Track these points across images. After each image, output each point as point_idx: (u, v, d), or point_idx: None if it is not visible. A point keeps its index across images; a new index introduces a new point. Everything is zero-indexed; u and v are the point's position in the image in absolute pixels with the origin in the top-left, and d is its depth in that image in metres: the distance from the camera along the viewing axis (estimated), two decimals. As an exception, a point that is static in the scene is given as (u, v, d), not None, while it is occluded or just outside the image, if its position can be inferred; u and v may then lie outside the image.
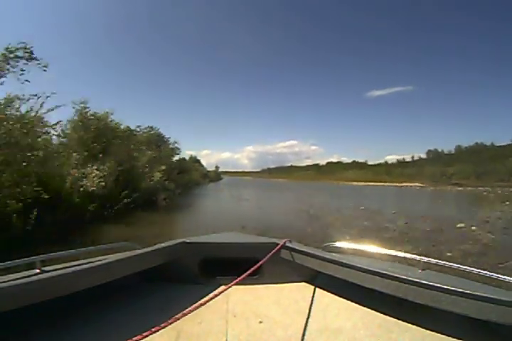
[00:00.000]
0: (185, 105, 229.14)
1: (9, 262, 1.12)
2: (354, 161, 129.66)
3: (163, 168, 15.89)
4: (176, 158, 27.94)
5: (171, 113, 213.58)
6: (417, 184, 62.52)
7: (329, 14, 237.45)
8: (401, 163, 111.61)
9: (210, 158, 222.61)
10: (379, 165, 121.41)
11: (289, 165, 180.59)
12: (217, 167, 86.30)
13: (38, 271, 1.14)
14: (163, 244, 1.53)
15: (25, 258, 1.17)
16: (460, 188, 44.82)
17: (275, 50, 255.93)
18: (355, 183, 67.02)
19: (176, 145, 25.53)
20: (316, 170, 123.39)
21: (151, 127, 23.06)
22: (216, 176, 74.69)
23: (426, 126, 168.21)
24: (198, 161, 57.23)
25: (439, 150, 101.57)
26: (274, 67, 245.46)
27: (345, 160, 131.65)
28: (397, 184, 62.17)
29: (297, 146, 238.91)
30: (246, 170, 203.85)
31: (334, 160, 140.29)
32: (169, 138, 24.63)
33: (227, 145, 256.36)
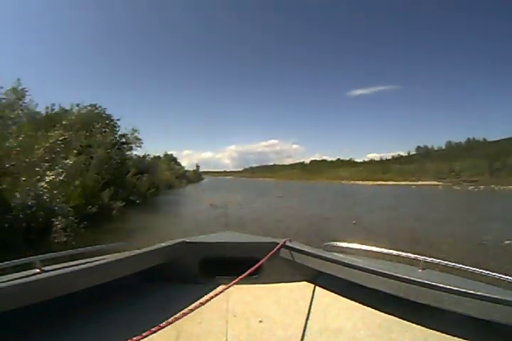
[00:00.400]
0: (165, 105, 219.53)
1: (9, 262, 1.11)
2: (339, 159, 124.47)
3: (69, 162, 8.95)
4: (139, 154, 22.52)
5: (148, 113, 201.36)
6: (433, 182, 54.18)
7: (308, 12, 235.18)
8: (395, 160, 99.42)
9: (191, 158, 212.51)
10: (369, 162, 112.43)
11: (272, 163, 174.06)
12: (197, 166, 76.95)
13: (37, 270, 1.12)
14: (162, 244, 1.52)
15: (25, 258, 1.15)
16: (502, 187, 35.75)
17: (254, 48, 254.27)
18: (359, 182, 59.49)
19: (135, 134, 18.70)
20: (302, 169, 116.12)
21: (94, 105, 16.67)
22: (196, 177, 67.58)
23: (407, 124, 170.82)
24: (175, 160, 49.63)
25: (429, 146, 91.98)
26: (254, 67, 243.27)
27: (328, 158, 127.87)
28: (408, 182, 53.85)
29: (278, 145, 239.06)
30: (228, 170, 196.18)
31: (316, 158, 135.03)
32: (118, 119, 18.03)
33: (208, 145, 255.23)
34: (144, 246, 1.49)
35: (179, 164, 50.83)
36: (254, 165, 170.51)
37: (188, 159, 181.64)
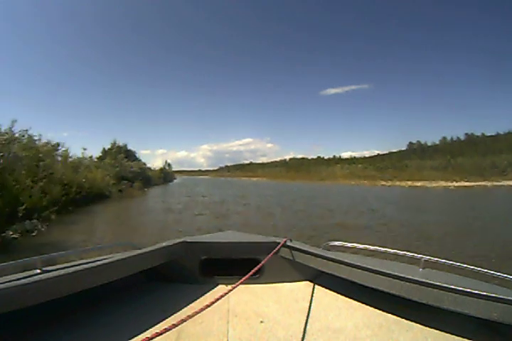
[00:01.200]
0: (138, 103, 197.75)
1: (10, 262, 1.09)
2: (319, 157, 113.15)
3: None
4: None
5: (120, 113, 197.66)
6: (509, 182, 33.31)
7: (281, 9, 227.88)
8: (387, 156, 79.42)
9: (165, 157, 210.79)
10: (366, 158, 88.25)
11: (248, 162, 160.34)
12: (169, 165, 63.85)
13: (38, 271, 1.11)
14: (163, 244, 1.49)
15: (26, 259, 1.14)
16: None
17: (225, 46, 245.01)
18: (397, 184, 36.84)
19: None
20: (286, 167, 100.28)
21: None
22: (166, 177, 53.01)
23: (379, 123, 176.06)
24: (133, 155, 35.07)
25: (422, 142, 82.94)
26: (227, 65, 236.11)
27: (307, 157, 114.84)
28: (469, 184, 33.79)
29: (253, 144, 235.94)
30: (203, 169, 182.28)
31: (291, 157, 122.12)
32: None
33: (183, 145, 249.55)
34: (144, 246, 1.47)
35: (137, 159, 35.81)
36: (229, 163, 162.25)
37: (162, 158, 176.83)
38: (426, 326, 1.08)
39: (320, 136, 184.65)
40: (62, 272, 1.03)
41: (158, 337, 0.67)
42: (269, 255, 1.38)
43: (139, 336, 0.69)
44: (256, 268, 1.16)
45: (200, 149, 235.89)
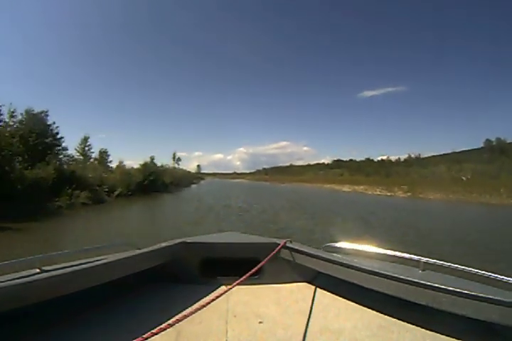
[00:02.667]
0: (173, 106, 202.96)
1: (9, 261, 1.10)
2: (367, 158, 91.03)
3: None
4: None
5: (158, 114, 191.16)
6: None
7: (318, 17, 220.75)
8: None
9: (202, 159, 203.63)
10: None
11: (288, 164, 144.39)
12: (197, 166, 58.05)
13: (37, 270, 1.12)
14: (163, 244, 1.51)
15: (25, 258, 1.14)
16: None
17: (264, 50, 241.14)
18: None
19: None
20: (348, 169, 70.30)
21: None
22: (189, 178, 43.25)
23: (417, 126, 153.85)
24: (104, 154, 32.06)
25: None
26: (264, 69, 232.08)
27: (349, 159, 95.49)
28: None
29: (289, 147, 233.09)
30: (238, 172, 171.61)
31: (327, 161, 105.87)
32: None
33: (219, 147, 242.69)
34: (144, 246, 1.49)
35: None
36: (266, 166, 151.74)
37: (198, 160, 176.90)
38: (425, 328, 1.06)
39: (355, 139, 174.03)
40: (61, 272, 1.04)
41: (157, 337, 0.67)
42: (269, 256, 1.38)
43: (139, 335, 0.66)
44: (256, 269, 1.17)
45: (237, 152, 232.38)
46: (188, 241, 1.57)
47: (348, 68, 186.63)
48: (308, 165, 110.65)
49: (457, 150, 56.43)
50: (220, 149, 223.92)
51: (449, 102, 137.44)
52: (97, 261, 1.22)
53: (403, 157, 61.00)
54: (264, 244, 1.59)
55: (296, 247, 1.51)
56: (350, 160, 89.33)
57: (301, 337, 1.03)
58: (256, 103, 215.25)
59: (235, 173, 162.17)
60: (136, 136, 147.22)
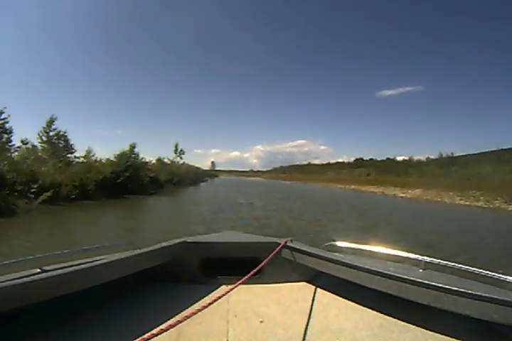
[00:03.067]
0: (191, 103, 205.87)
1: (9, 261, 1.10)
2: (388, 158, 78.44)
3: None
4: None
5: (177, 111, 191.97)
6: None
7: (338, 18, 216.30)
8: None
9: (219, 157, 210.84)
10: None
11: (306, 162, 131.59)
12: (212, 163, 64.32)
13: (38, 270, 1.11)
14: (163, 244, 1.51)
15: (25, 258, 1.14)
16: None
17: (282, 51, 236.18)
18: None
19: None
20: (374, 168, 61.04)
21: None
22: (198, 175, 41.00)
23: (434, 126, 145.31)
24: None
25: None
26: (284, 67, 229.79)
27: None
28: None
29: (306, 146, 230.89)
30: (255, 170, 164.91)
31: (344, 160, 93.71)
32: None
33: (236, 145, 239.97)
34: (145, 246, 1.48)
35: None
36: (282, 164, 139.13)
37: (215, 158, 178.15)
38: (426, 327, 1.05)
39: (373, 138, 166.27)
40: (61, 271, 1.03)
41: (158, 337, 0.67)
42: (270, 255, 1.38)
43: (139, 336, 0.65)
44: (256, 269, 1.17)
45: (253, 150, 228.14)
46: (189, 240, 1.57)
47: (366, 68, 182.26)
48: (328, 164, 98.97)
49: (491, 149, 46.12)
50: (237, 147, 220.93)
51: (470, 100, 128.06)
52: (97, 260, 1.21)
53: (432, 156, 49.68)
54: (265, 244, 1.58)
55: (297, 247, 1.50)
56: (371, 159, 77.89)
57: (302, 337, 1.02)
58: (274, 102, 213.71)
59: (251, 171, 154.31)
60: (152, 133, 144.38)
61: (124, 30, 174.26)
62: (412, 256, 1.31)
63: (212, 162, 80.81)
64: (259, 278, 1.47)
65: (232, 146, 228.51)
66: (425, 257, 1.27)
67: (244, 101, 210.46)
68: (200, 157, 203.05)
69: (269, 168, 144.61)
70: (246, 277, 1.06)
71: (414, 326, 1.06)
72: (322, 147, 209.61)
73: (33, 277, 0.96)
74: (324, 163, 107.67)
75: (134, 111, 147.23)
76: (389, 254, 1.40)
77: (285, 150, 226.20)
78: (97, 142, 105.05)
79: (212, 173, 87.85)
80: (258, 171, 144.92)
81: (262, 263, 1.24)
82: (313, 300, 1.32)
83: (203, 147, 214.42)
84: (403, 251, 1.36)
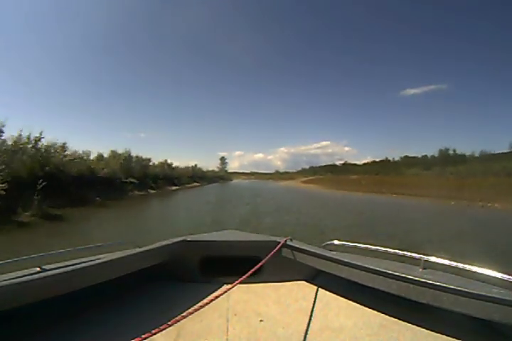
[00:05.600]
0: (213, 105, 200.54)
1: (9, 260, 1.10)
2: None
3: None
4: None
5: (198, 114, 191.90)
6: None
7: (358, 19, 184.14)
8: None
9: (242, 159, 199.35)
10: None
11: (331, 163, 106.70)
12: (222, 159, 61.40)
13: (38, 269, 1.11)
14: (163, 243, 1.50)
15: (25, 257, 1.14)
16: None
17: (305, 54, 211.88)
18: None
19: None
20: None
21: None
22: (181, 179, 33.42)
23: (455, 125, 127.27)
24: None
25: None
26: (304, 69, 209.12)
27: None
28: None
29: (330, 147, 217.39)
30: (281, 171, 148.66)
31: (368, 161, 78.23)
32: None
33: (260, 147, 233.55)
34: (145, 244, 1.48)
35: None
36: (306, 166, 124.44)
37: (239, 160, 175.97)
38: (426, 326, 1.04)
39: (394, 138, 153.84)
40: (61, 270, 1.02)
41: (158, 335, 0.67)
42: (270, 254, 1.36)
43: (139, 334, 0.65)
44: (256, 267, 1.15)
45: (278, 152, 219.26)
46: (189, 239, 1.57)
47: (390, 65, 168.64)
48: (370, 163, 77.38)
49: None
50: (261, 149, 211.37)
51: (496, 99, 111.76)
52: (97, 259, 1.21)
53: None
54: (265, 242, 1.57)
55: (297, 245, 1.49)
56: (425, 155, 56.20)
57: (302, 336, 1.02)
58: (299, 103, 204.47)
59: (277, 172, 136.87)
60: (176, 136, 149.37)
61: (137, 31, 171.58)
62: (412, 255, 1.27)
63: (222, 158, 63.23)
64: (259, 277, 1.46)
65: (257, 148, 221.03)
66: (425, 256, 1.22)
67: (267, 103, 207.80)
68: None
69: (294, 170, 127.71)
70: (246, 276, 1.05)
71: (414, 325, 1.05)
72: (346, 148, 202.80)
73: (33, 276, 0.95)
74: (358, 163, 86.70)
75: (156, 115, 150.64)
76: (389, 253, 1.36)
77: (309, 151, 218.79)
78: (121, 144, 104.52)
79: (219, 175, 63.77)
80: (286, 173, 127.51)
81: (262, 262, 1.23)
82: (313, 298, 1.31)
83: (226, 149, 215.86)
84: (403, 250, 1.32)
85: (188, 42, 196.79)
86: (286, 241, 1.51)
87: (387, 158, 65.22)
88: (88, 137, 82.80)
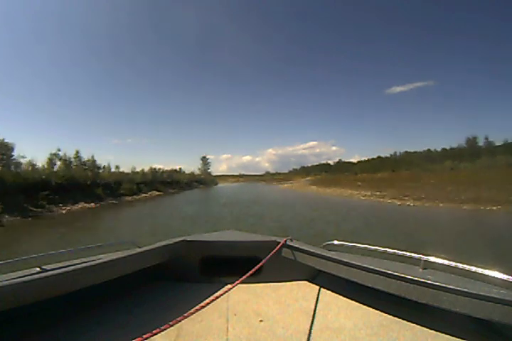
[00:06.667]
0: (199, 110, 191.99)
1: (9, 260, 1.09)
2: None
3: None
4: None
5: (183, 118, 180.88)
6: None
7: (341, 17, 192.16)
8: None
9: (231, 161, 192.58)
10: None
11: (324, 163, 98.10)
12: (204, 158, 56.32)
13: (38, 269, 1.11)
14: (163, 243, 1.49)
15: (26, 257, 1.13)
16: None
17: (288, 54, 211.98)
18: None
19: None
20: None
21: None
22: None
23: (445, 122, 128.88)
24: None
25: None
26: (291, 68, 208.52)
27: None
28: None
29: (318, 147, 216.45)
30: (271, 172, 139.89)
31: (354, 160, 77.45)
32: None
33: (248, 149, 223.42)
34: (145, 245, 1.46)
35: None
36: (295, 167, 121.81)
37: (227, 163, 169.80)
38: (425, 326, 1.04)
39: (383, 137, 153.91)
40: (61, 270, 1.02)
41: (158, 335, 0.67)
42: (270, 254, 1.35)
43: (140, 334, 0.65)
44: (256, 268, 1.15)
45: (265, 153, 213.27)
46: (189, 239, 1.56)
47: (375, 64, 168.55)
48: (364, 161, 68.26)
49: None
50: (249, 151, 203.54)
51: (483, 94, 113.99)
52: (98, 259, 1.21)
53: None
54: (265, 243, 1.56)
55: (297, 245, 1.48)
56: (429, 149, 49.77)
57: (302, 336, 1.02)
58: (283, 104, 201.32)
59: (268, 174, 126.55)
60: (162, 141, 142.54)
61: (128, 33, 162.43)
62: (411, 255, 1.27)
63: (204, 158, 52.87)
64: (259, 277, 1.45)
65: (245, 151, 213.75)
66: (425, 256, 1.23)
67: (253, 105, 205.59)
68: (212, 162, 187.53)
69: (285, 171, 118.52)
70: (246, 276, 1.05)
71: (413, 324, 1.06)
72: (334, 148, 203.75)
73: (33, 276, 0.95)
74: (354, 160, 77.93)
75: (142, 120, 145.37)
76: (389, 253, 1.36)
77: (297, 152, 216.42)
78: (109, 151, 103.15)
79: (196, 179, 50.47)
80: (277, 174, 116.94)
81: (262, 262, 1.23)
82: (312, 299, 1.31)
83: (214, 153, 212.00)
84: (402, 250, 1.31)
85: (174, 45, 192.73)
86: (286, 241, 1.51)
87: (379, 156, 59.12)
88: (78, 145, 78.37)
